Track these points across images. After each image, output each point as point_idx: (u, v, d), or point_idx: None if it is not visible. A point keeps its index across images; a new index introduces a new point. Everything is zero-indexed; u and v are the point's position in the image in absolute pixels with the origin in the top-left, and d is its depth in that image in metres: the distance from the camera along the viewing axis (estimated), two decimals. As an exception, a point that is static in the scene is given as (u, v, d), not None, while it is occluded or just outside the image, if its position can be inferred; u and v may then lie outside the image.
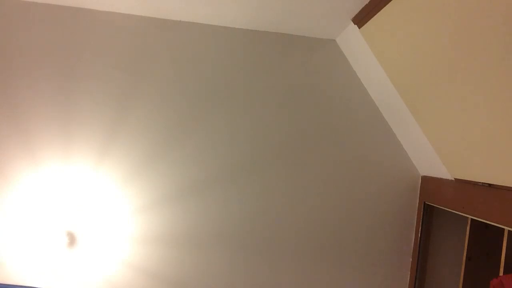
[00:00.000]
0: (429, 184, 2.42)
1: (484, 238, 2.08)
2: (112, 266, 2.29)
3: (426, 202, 2.42)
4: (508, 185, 1.73)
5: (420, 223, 2.44)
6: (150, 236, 2.31)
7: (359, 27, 2.06)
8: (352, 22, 2.11)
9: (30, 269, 2.21)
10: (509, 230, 1.73)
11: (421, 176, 2.51)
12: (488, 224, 1.93)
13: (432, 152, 2.19)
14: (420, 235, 2.44)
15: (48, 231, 2.22)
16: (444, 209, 2.30)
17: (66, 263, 2.24)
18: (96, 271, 2.28)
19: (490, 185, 1.86)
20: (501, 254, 1.77)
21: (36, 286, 2.20)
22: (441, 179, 2.29)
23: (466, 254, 2.10)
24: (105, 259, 2.28)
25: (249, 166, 2.38)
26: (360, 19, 2.01)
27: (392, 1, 1.69)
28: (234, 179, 2.37)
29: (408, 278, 2.49)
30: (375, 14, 1.85)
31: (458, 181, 2.14)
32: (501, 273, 1.73)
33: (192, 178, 2.34)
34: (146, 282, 2.31)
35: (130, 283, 2.30)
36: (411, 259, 2.49)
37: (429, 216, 2.46)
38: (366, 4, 1.89)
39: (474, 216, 1.96)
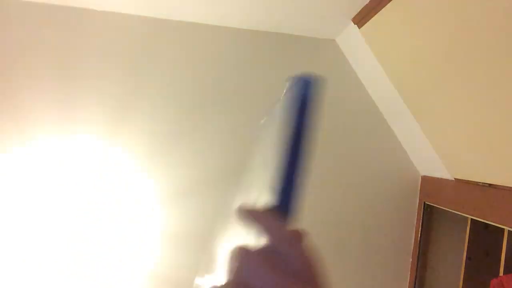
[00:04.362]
0: (429, 184, 2.42)
1: (484, 238, 2.08)
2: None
3: (426, 202, 2.42)
4: (508, 185, 1.73)
5: (420, 223, 2.44)
6: (150, 236, 2.31)
7: (359, 27, 2.06)
8: (352, 22, 2.11)
9: (30, 269, 2.21)
10: (509, 230, 1.73)
11: (421, 176, 2.51)
12: (488, 224, 1.93)
13: (432, 152, 2.19)
14: (420, 235, 2.44)
15: (48, 231, 2.22)
16: (444, 209, 2.30)
17: (65, 263, 2.24)
18: (96, 271, 2.27)
19: (490, 185, 1.86)
20: (501, 254, 1.77)
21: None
22: (441, 179, 2.29)
23: (466, 254, 2.10)
24: (105, 259, 2.28)
25: (249, 166, 2.38)
26: (360, 19, 2.01)
27: (392, 1, 1.69)
28: (234, 179, 2.36)
29: (408, 278, 2.49)
30: (375, 14, 1.86)
31: (458, 181, 2.14)
32: (501, 273, 1.73)
33: (192, 178, 2.34)
34: (146, 282, 2.31)
35: (130, 283, 2.30)
36: (411, 259, 2.49)
37: (429, 216, 2.46)
38: (366, 4, 1.89)
39: (474, 216, 1.96)
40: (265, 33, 2.39)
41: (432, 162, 2.27)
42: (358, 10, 1.99)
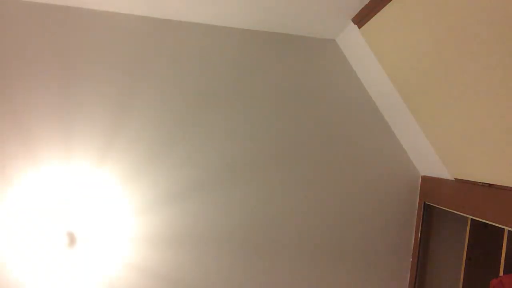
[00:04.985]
0: (429, 184, 2.42)
1: (484, 238, 2.08)
2: (112, 267, 2.29)
3: (426, 202, 2.42)
4: (508, 185, 1.73)
5: (420, 223, 2.44)
6: (150, 236, 2.31)
7: (359, 27, 2.06)
8: (352, 22, 2.11)
9: (30, 269, 2.21)
10: (509, 230, 1.73)
11: (421, 176, 2.51)
12: (488, 224, 1.93)
13: (432, 152, 2.19)
14: (420, 235, 2.44)
15: (48, 231, 2.22)
16: (444, 209, 2.30)
17: (66, 263, 2.24)
18: (96, 272, 2.28)
19: (490, 185, 1.86)
20: (501, 254, 1.77)
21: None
22: (441, 179, 2.29)
23: (466, 254, 2.10)
24: (105, 260, 2.28)
25: (250, 166, 2.38)
26: (360, 19, 2.01)
27: (392, 1, 1.69)
28: (234, 179, 2.37)
29: (408, 278, 2.49)
30: (375, 14, 1.86)
31: (458, 181, 2.14)
32: (501, 273, 1.73)
33: (192, 178, 2.34)
34: (146, 282, 2.31)
35: (130, 283, 2.30)
36: (411, 259, 2.49)
37: (429, 216, 2.46)
38: (366, 4, 1.89)
39: (474, 216, 1.96)
40: (265, 33, 2.39)
41: (432, 162, 2.27)
42: (358, 10, 1.99)
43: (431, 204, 2.39)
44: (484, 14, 1.30)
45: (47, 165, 2.23)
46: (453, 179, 2.17)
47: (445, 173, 2.21)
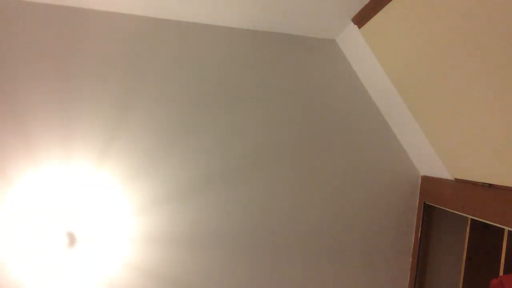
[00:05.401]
0: (429, 184, 2.42)
1: (484, 238, 2.08)
2: (112, 267, 2.29)
3: (426, 202, 2.42)
4: (508, 185, 1.73)
5: (420, 223, 2.44)
6: (151, 236, 2.31)
7: (359, 27, 2.06)
8: (352, 22, 2.11)
9: (30, 269, 2.21)
10: (509, 230, 1.73)
11: (421, 176, 2.51)
12: (488, 224, 1.93)
13: (432, 152, 2.19)
14: (420, 235, 2.44)
15: (48, 231, 2.22)
16: (444, 209, 2.30)
17: (66, 263, 2.24)
18: (96, 272, 2.28)
19: (490, 185, 1.86)
20: (501, 254, 1.77)
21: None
22: (441, 179, 2.29)
23: (466, 254, 2.10)
24: (105, 260, 2.28)
25: (250, 166, 2.38)
26: (360, 19, 2.01)
27: (392, 1, 1.69)
28: (234, 180, 2.37)
29: (408, 278, 2.49)
30: (375, 14, 1.86)
31: (458, 181, 2.14)
32: (501, 273, 1.73)
33: (192, 177, 2.34)
34: (146, 282, 2.31)
35: (130, 283, 2.30)
36: (411, 259, 2.49)
37: (429, 216, 2.46)
38: (366, 4, 1.89)
39: (474, 216, 1.96)
40: (265, 33, 2.39)
41: (432, 162, 2.27)
42: (358, 10, 1.99)
43: (431, 204, 2.39)
44: (484, 14, 1.30)
45: (47, 165, 2.23)
46: (453, 179, 2.17)
47: (445, 173, 2.21)
